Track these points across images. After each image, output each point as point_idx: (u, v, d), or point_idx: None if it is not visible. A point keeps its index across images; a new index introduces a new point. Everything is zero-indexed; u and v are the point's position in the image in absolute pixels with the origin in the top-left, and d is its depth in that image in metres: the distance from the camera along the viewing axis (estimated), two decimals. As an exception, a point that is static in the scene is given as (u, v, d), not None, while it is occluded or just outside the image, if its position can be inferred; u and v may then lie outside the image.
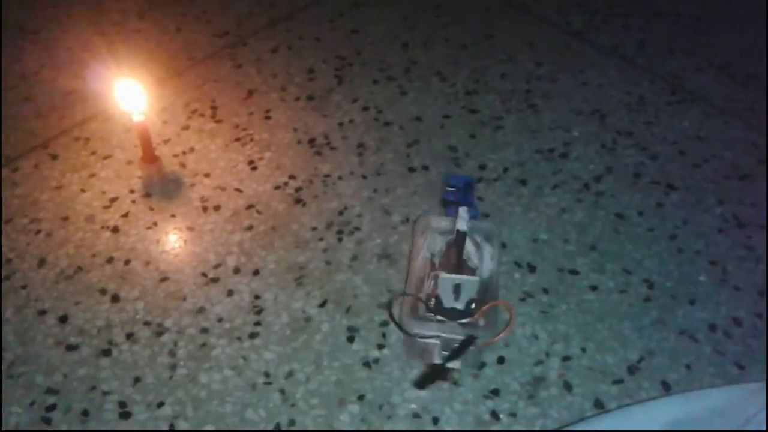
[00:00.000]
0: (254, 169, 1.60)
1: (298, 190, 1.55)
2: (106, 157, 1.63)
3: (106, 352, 1.28)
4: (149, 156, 1.56)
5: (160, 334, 1.30)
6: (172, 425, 1.18)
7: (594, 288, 1.36)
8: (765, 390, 0.91)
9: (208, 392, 1.22)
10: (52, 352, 1.28)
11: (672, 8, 2.05)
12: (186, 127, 1.69)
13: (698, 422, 0.96)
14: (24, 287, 1.38)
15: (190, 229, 1.48)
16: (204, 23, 2.03)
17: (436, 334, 1.17)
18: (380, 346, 1.28)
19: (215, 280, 1.39)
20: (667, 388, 1.22)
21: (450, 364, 1.18)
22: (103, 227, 1.48)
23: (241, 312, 1.33)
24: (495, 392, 1.21)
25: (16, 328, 1.32)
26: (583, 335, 1.29)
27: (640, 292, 1.36)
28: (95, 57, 1.90)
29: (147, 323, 1.32)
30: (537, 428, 1.18)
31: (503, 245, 1.43)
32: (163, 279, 1.39)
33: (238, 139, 1.66)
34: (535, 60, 1.87)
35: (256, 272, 1.40)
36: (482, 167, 1.59)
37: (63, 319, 1.33)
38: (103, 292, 1.37)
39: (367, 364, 1.25)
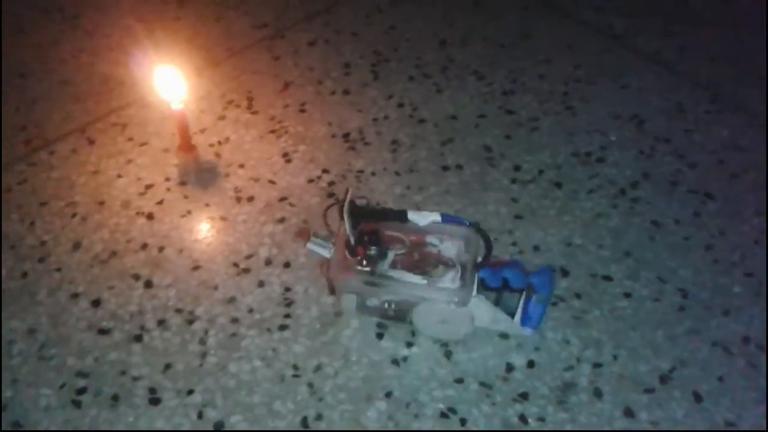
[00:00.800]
0: (288, 161, 1.60)
1: (331, 184, 1.55)
2: (142, 144, 1.64)
3: (138, 338, 1.28)
4: (186, 145, 1.57)
5: (191, 321, 1.31)
6: (200, 413, 1.18)
7: (628, 295, 1.35)
8: None
9: (237, 382, 1.22)
10: (83, 336, 1.29)
11: (714, 15, 2.02)
12: (222, 117, 1.70)
13: None
14: (58, 270, 1.39)
15: (224, 218, 1.48)
16: (243, 14, 2.03)
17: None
18: (409, 344, 1.27)
19: (247, 270, 1.39)
20: (698, 399, 1.20)
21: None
22: (138, 213, 1.49)
23: (271, 303, 1.34)
24: (524, 396, 1.21)
25: (49, 310, 1.33)
26: (615, 342, 1.28)
27: (674, 301, 1.34)
28: (134, 44, 1.91)
29: (179, 311, 1.32)
30: (565, 434, 1.17)
31: (536, 248, 1.42)
32: (196, 267, 1.39)
33: (273, 131, 1.67)
34: (573, 62, 1.86)
35: (287, 264, 1.40)
36: (517, 168, 1.58)
37: (96, 303, 1.34)
38: (136, 277, 1.38)
39: (395, 362, 1.25)
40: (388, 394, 1.21)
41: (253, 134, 1.66)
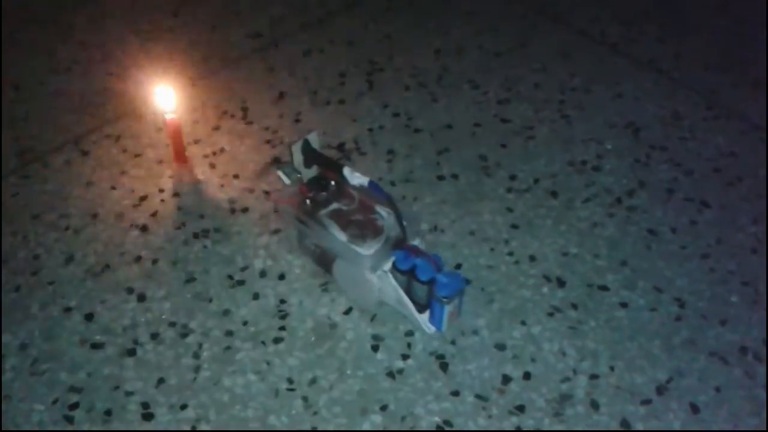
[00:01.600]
0: (283, 172, 1.59)
1: (326, 194, 1.54)
2: (136, 156, 1.63)
3: (131, 352, 1.27)
4: (180, 156, 1.56)
5: (185, 335, 1.30)
6: (194, 428, 1.17)
7: (624, 305, 1.34)
8: None
9: (231, 396, 1.21)
10: (76, 350, 1.28)
11: (709, 23, 2.02)
12: (217, 128, 1.70)
13: None
14: (51, 283, 1.38)
15: (218, 230, 1.47)
16: (237, 25, 2.03)
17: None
18: (405, 357, 1.27)
19: (241, 282, 1.38)
20: (695, 410, 1.20)
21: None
22: (131, 225, 1.48)
23: (266, 316, 1.33)
24: (520, 408, 1.20)
25: (41, 324, 1.32)
26: (612, 353, 1.27)
27: (671, 310, 1.33)
28: (128, 55, 1.90)
29: (172, 324, 1.31)
30: (562, 446, 1.16)
31: (532, 257, 1.41)
32: (190, 280, 1.39)
33: (268, 141, 1.66)
34: (569, 71, 1.85)
35: (282, 276, 1.39)
36: (513, 177, 1.57)
37: (89, 317, 1.33)
38: (129, 290, 1.37)
39: (390, 374, 1.24)
40: (384, 408, 1.20)
41: (248, 145, 1.65)
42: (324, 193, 1.33)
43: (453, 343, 1.28)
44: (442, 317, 1.28)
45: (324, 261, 1.35)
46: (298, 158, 1.33)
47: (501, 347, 1.28)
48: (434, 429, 1.17)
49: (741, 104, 1.76)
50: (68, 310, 1.34)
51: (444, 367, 1.25)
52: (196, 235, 1.46)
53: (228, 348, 1.28)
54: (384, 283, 1.29)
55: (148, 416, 1.19)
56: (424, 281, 1.25)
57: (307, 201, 1.33)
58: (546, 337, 1.29)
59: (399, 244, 1.29)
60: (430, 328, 1.30)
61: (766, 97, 1.75)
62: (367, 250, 1.26)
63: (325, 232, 1.30)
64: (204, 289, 1.37)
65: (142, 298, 1.36)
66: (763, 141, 1.66)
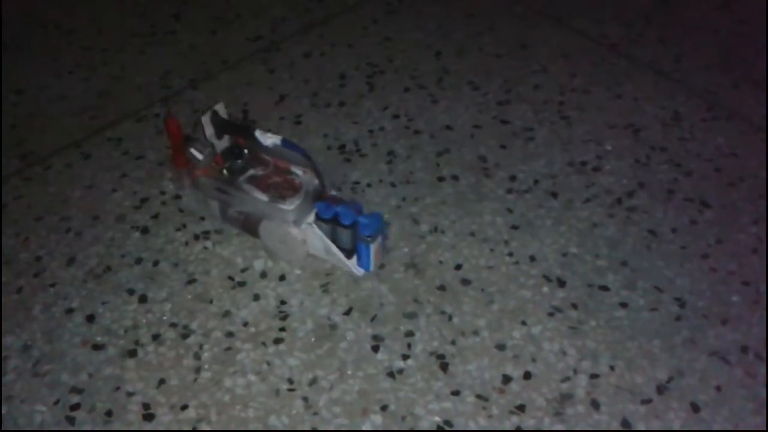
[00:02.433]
0: (284, 173, 1.60)
1: (326, 196, 1.55)
2: (138, 158, 1.64)
3: (132, 353, 1.28)
4: (181, 158, 1.57)
5: (185, 336, 1.30)
6: (194, 428, 1.18)
7: (624, 305, 1.34)
8: None
9: (232, 397, 1.22)
10: (78, 351, 1.28)
11: (709, 23, 2.03)
12: (217, 130, 1.70)
13: None
14: (53, 285, 1.39)
15: (219, 232, 1.48)
16: (238, 27, 2.03)
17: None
18: (405, 357, 1.27)
19: (242, 284, 1.39)
20: (696, 409, 1.20)
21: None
22: (133, 227, 1.49)
23: (266, 317, 1.33)
24: (520, 408, 1.20)
25: (43, 325, 1.32)
26: (612, 353, 1.27)
27: (671, 310, 1.33)
28: (130, 58, 1.91)
29: (173, 325, 1.32)
30: (562, 446, 1.16)
31: (532, 258, 1.42)
32: (191, 281, 1.39)
33: (268, 144, 1.66)
34: (569, 71, 1.86)
35: (282, 277, 1.39)
36: (512, 178, 1.58)
37: (90, 319, 1.33)
38: (130, 292, 1.37)
39: (391, 374, 1.24)
40: (384, 408, 1.20)
41: (248, 147, 1.66)
42: (239, 161, 1.39)
43: (453, 343, 1.28)
44: (369, 257, 1.36)
45: (249, 226, 1.43)
46: (209, 130, 1.37)
47: (501, 347, 1.28)
48: (434, 429, 1.17)
49: (741, 105, 1.76)
50: (70, 311, 1.34)
51: (444, 367, 1.25)
52: (196, 237, 1.47)
53: (229, 349, 1.28)
54: (310, 235, 1.37)
55: (148, 417, 1.19)
56: (348, 225, 1.33)
57: (224, 171, 1.39)
58: (546, 336, 1.29)
59: (319, 197, 1.37)
60: (360, 271, 1.38)
61: (766, 98, 1.76)
62: (290, 205, 1.34)
63: (246, 196, 1.37)
64: (205, 291, 1.37)
65: (143, 299, 1.36)
66: (763, 141, 1.66)
